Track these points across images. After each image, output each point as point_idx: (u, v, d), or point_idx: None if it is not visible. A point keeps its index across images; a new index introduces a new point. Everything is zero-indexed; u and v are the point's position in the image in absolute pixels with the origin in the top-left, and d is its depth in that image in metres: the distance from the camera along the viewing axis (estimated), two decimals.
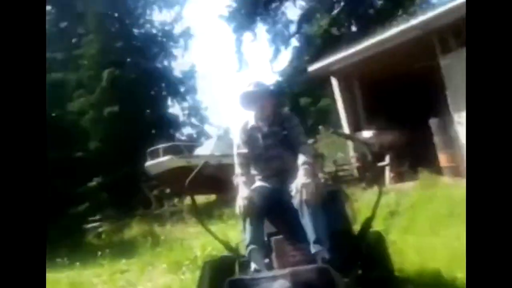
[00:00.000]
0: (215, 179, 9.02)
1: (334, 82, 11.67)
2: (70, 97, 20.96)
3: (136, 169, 17.12)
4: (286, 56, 28.72)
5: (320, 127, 12.19)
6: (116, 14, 23.92)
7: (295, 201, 2.77)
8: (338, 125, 11.53)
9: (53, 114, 19.20)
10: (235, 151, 3.19)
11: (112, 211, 12.59)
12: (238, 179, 3.04)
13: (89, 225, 12.31)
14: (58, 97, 20.02)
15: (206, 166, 3.29)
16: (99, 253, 6.39)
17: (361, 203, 6.60)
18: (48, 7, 25.93)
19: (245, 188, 2.92)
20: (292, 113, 3.29)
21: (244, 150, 3.14)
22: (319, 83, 14.92)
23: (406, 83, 10.75)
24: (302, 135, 3.13)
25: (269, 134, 3.12)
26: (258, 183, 3.07)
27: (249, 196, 2.82)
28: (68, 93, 20.89)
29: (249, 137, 3.16)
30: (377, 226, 4.88)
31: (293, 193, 2.80)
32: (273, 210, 2.90)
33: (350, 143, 10.86)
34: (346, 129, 11.19)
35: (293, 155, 3.00)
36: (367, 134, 10.19)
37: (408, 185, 8.38)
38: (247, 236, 2.78)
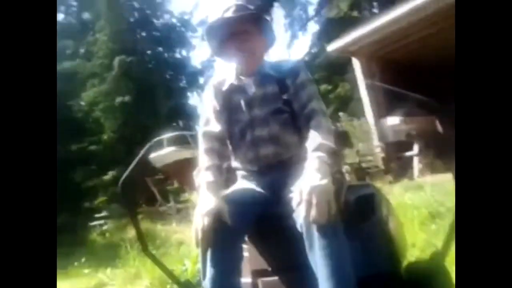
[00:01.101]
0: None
1: (356, 64, 10.70)
2: (84, 87, 20.66)
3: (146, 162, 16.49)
4: (305, 42, 27.75)
5: (340, 113, 11.22)
6: (136, 4, 23.26)
7: (299, 219, 1.48)
8: (361, 111, 10.57)
9: (68, 104, 18.86)
10: (200, 129, 1.86)
11: (119, 207, 12.00)
12: (201, 179, 1.68)
13: (95, 222, 11.71)
14: (71, 87, 19.74)
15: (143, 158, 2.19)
16: (83, 259, 5.58)
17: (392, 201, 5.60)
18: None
19: (211, 193, 1.59)
20: (299, 63, 1.89)
21: (215, 128, 1.81)
22: (340, 67, 13.94)
23: (434, 63, 9.70)
24: (316, 100, 1.77)
25: (260, 99, 1.80)
26: (240, 183, 1.82)
27: (215, 210, 1.51)
28: (82, 82, 20.61)
29: (225, 105, 1.83)
30: (415, 234, 3.78)
31: (294, 204, 1.50)
32: (263, 231, 1.66)
33: (374, 131, 9.90)
34: (369, 116, 10.23)
35: (299, 135, 1.76)
36: (393, 120, 9.23)
37: (441, 177, 7.28)
38: (207, 283, 1.49)
